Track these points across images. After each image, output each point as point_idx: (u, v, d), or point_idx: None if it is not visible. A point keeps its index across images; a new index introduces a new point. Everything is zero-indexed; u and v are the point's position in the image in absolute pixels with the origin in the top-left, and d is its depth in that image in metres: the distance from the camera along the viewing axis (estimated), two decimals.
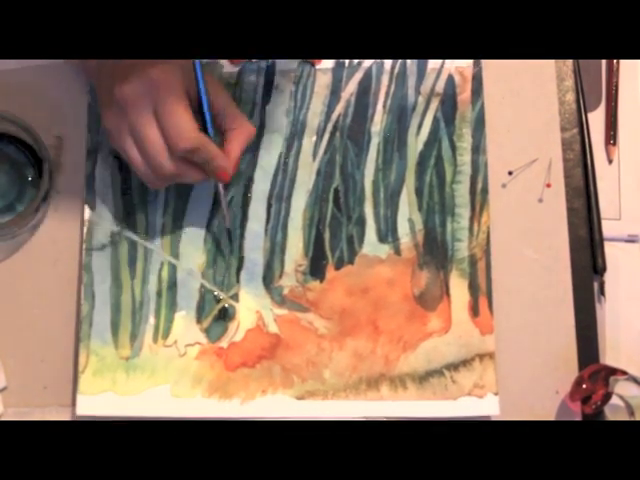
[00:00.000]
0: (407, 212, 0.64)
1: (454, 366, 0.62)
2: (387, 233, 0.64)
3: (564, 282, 0.64)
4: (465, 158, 0.65)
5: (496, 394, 0.61)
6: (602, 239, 0.67)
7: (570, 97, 0.67)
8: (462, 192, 0.64)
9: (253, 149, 0.64)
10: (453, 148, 0.65)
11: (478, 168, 0.65)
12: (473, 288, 0.63)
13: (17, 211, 0.62)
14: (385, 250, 0.64)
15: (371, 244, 0.64)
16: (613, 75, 0.72)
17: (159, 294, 0.62)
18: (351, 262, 0.63)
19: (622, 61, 0.73)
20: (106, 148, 0.63)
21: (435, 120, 0.65)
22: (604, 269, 0.67)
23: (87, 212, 0.62)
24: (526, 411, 0.63)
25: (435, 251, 0.64)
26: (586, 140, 0.68)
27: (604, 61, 0.73)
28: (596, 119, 0.71)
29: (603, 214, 0.67)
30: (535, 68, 0.67)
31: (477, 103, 0.65)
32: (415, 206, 0.64)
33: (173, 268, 0.62)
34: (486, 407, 0.61)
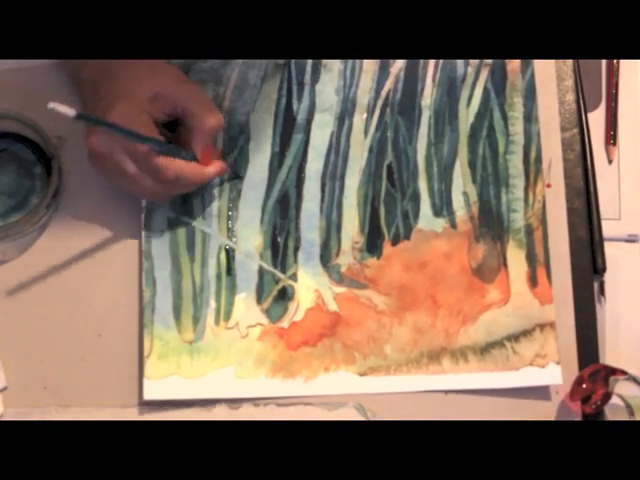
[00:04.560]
0: (461, 185, 0.64)
1: (515, 337, 0.62)
2: (442, 207, 0.64)
3: (564, 282, 0.64)
4: (517, 128, 0.64)
5: (558, 363, 0.62)
6: (602, 239, 0.67)
7: (570, 97, 0.67)
8: (515, 162, 0.64)
9: (304, 129, 0.64)
10: (505, 118, 0.65)
11: (531, 137, 0.64)
12: (530, 258, 0.63)
13: (27, 209, 0.62)
14: (441, 224, 0.64)
15: (426, 218, 0.64)
16: (613, 75, 0.72)
17: (219, 277, 0.62)
18: (407, 237, 0.63)
19: (622, 61, 0.73)
20: None
21: (485, 91, 0.65)
22: (604, 269, 0.67)
23: (144, 199, 0.62)
24: (526, 411, 0.63)
25: (491, 223, 0.64)
26: (586, 140, 0.68)
27: (604, 61, 0.73)
28: (596, 119, 0.72)
29: (603, 214, 0.67)
30: (535, 68, 0.66)
31: (527, 71, 0.65)
32: (469, 178, 0.64)
33: (231, 251, 0.63)
34: (548, 376, 0.62)
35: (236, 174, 0.63)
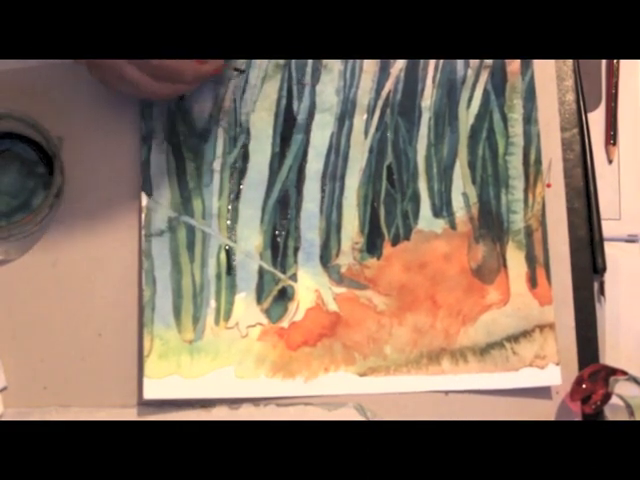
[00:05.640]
0: (461, 186, 0.64)
1: (514, 338, 0.62)
2: (442, 208, 0.64)
3: (564, 282, 0.64)
4: (517, 129, 0.65)
5: (557, 364, 0.62)
6: (602, 239, 0.67)
7: (570, 97, 0.67)
8: (515, 164, 0.64)
9: (305, 129, 0.64)
10: (504, 120, 0.65)
11: (530, 139, 0.64)
12: (530, 259, 0.63)
13: (30, 209, 0.62)
14: (440, 225, 0.64)
15: (426, 219, 0.64)
16: (613, 75, 0.72)
17: (218, 277, 0.62)
18: (407, 238, 0.63)
19: (622, 61, 0.73)
20: (160, 134, 0.63)
21: (485, 92, 0.65)
22: (604, 269, 0.67)
23: (144, 199, 0.62)
24: (526, 411, 0.63)
25: (490, 224, 0.64)
26: (586, 140, 0.69)
27: (604, 61, 0.73)
28: (596, 119, 0.72)
29: (603, 214, 0.67)
30: (535, 68, 0.66)
31: (527, 73, 0.65)
32: (469, 179, 0.64)
33: (231, 251, 0.63)
34: (547, 377, 0.62)
35: (238, 69, 0.64)
